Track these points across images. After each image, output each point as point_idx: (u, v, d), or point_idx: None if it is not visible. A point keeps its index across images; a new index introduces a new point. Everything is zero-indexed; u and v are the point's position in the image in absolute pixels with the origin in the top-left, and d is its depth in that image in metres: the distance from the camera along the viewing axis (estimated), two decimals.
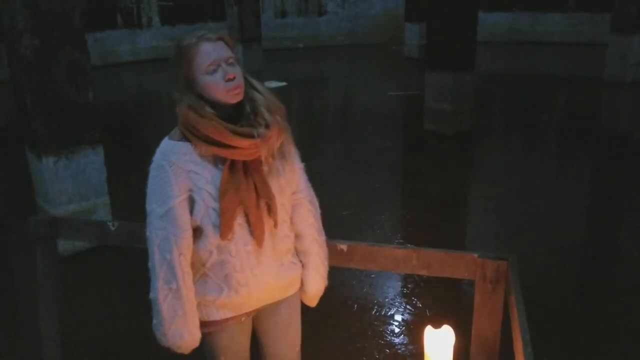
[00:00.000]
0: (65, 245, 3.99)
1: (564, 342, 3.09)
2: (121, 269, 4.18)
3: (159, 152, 1.67)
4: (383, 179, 6.01)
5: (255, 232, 1.65)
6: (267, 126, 1.63)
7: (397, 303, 3.55)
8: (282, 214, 1.73)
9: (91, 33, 12.55)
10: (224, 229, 1.61)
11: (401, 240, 4.45)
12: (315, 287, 1.88)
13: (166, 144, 1.67)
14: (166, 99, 11.58)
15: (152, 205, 1.66)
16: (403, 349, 3.08)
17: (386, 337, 3.19)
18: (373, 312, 3.44)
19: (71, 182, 4.15)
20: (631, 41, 9.82)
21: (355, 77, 12.65)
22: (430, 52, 7.60)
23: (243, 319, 1.81)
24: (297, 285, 1.87)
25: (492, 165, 6.50)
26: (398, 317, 3.39)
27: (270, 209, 1.67)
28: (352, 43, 17.00)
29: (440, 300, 3.52)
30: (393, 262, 2.06)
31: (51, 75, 3.90)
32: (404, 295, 3.66)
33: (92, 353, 3.14)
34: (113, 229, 2.33)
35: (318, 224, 1.88)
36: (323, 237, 1.90)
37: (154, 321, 1.69)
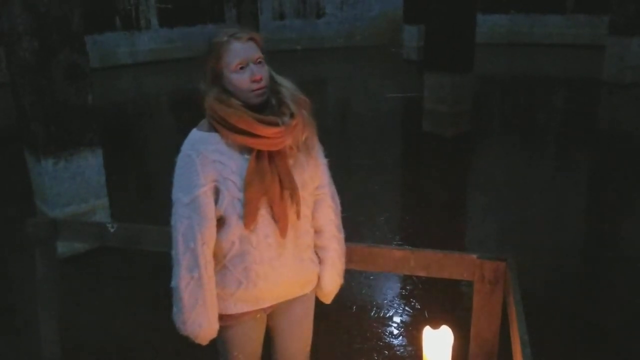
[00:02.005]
0: (64, 247, 4.00)
1: (563, 343, 3.09)
2: (120, 270, 4.18)
3: (187, 142, 1.70)
4: (382, 181, 6.02)
5: (279, 223, 1.67)
6: (291, 115, 1.66)
7: (395, 304, 3.56)
8: (304, 208, 1.75)
9: (90, 35, 12.54)
10: (248, 218, 1.64)
11: (400, 242, 4.46)
12: (332, 284, 1.89)
13: (194, 134, 1.70)
14: (165, 100, 11.60)
15: (178, 194, 1.67)
16: (402, 350, 3.09)
17: (385, 338, 3.19)
18: (372, 314, 3.45)
19: (70, 184, 4.15)
20: (629, 43, 9.84)
21: (354, 79, 12.65)
22: (429, 54, 7.61)
23: (258, 315, 1.82)
24: (314, 284, 1.88)
25: (491, 166, 6.50)
26: (397, 319, 3.39)
27: (293, 200, 1.69)
28: (351, 45, 17.01)
29: (439, 301, 3.53)
30: (392, 263, 2.06)
31: (50, 78, 3.91)
32: (402, 296, 3.66)
33: (92, 354, 3.14)
34: (112, 230, 2.33)
35: (338, 220, 1.90)
36: (342, 235, 1.91)
37: (174, 309, 1.70)
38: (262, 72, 1.65)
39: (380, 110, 9.43)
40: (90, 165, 4.22)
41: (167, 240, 2.11)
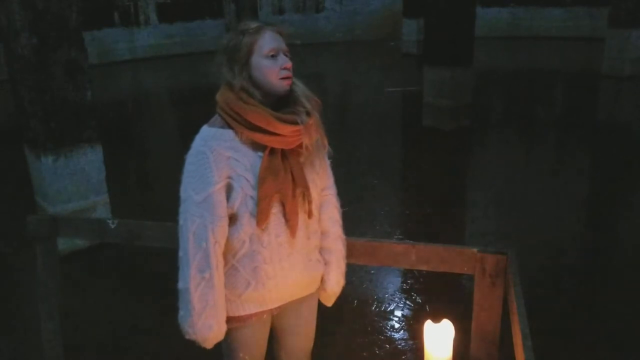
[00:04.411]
0: (64, 244, 4.00)
1: (564, 336, 3.10)
2: (121, 266, 4.19)
3: (199, 138, 1.66)
4: (382, 175, 6.02)
5: (290, 222, 1.66)
6: (308, 114, 1.66)
7: (397, 298, 3.56)
8: (313, 208, 1.74)
9: (89, 31, 12.54)
10: (261, 216, 1.62)
11: (400, 236, 4.46)
12: (336, 285, 1.89)
13: (207, 130, 1.67)
14: (165, 96, 11.58)
15: (189, 192, 1.63)
16: (403, 344, 3.09)
17: (386, 332, 3.20)
18: (373, 308, 3.45)
19: (70, 181, 4.15)
20: (629, 35, 9.83)
21: (353, 73, 12.64)
22: (428, 48, 7.60)
23: (265, 316, 1.81)
24: (319, 283, 1.88)
25: (491, 159, 6.50)
26: (398, 313, 3.40)
27: (305, 199, 1.69)
28: (350, 39, 16.99)
29: (440, 295, 3.53)
30: (393, 257, 2.06)
31: (49, 74, 3.90)
32: (403, 290, 3.66)
33: (93, 351, 3.15)
34: (113, 226, 2.33)
35: (341, 221, 1.90)
36: (344, 236, 1.92)
37: (181, 312, 1.66)
38: (290, 63, 1.66)
39: (380, 104, 9.42)
40: (90, 161, 4.21)
41: (167, 236, 2.12)
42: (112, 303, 3.71)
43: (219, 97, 1.67)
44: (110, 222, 2.37)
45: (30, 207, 4.42)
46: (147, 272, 4.02)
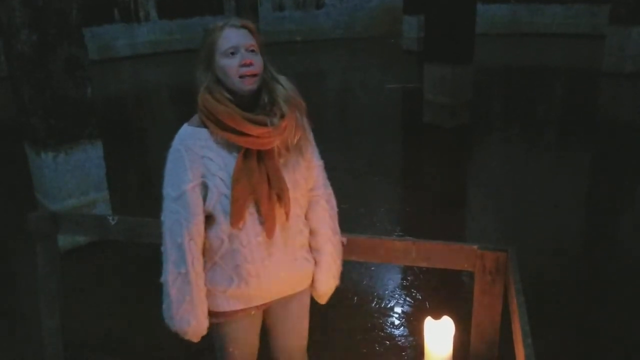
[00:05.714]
0: (65, 240, 4.00)
1: (564, 333, 3.10)
2: (121, 263, 4.19)
3: (177, 137, 1.69)
4: (382, 172, 6.01)
5: (266, 223, 1.66)
6: (282, 117, 1.64)
7: (397, 295, 3.56)
8: (296, 209, 1.73)
9: (88, 28, 12.53)
10: (235, 217, 1.62)
11: (400, 233, 4.46)
12: (326, 285, 1.88)
13: (185, 129, 1.69)
14: (165, 92, 11.57)
15: (167, 189, 1.67)
16: (403, 340, 3.10)
17: (386, 329, 3.20)
18: (373, 305, 3.45)
19: (70, 178, 4.15)
20: (629, 32, 9.81)
21: (353, 70, 12.62)
22: (428, 45, 7.59)
23: (253, 312, 1.81)
24: (309, 281, 1.87)
25: (491, 157, 6.50)
26: (398, 309, 3.40)
27: (281, 201, 1.67)
28: (350, 36, 16.96)
29: (440, 292, 3.53)
30: (393, 254, 2.06)
31: (49, 71, 3.90)
32: (403, 287, 3.67)
33: (93, 348, 3.15)
34: (113, 223, 2.34)
35: (333, 223, 1.88)
36: (338, 237, 1.89)
37: (164, 304, 1.70)
38: (254, 58, 1.63)
39: (380, 102, 9.41)
40: (90, 158, 4.21)
41: None
42: (112, 299, 3.71)
43: (198, 95, 1.67)
44: (110, 218, 2.37)
45: (31, 204, 4.42)
46: (147, 268, 4.01)
